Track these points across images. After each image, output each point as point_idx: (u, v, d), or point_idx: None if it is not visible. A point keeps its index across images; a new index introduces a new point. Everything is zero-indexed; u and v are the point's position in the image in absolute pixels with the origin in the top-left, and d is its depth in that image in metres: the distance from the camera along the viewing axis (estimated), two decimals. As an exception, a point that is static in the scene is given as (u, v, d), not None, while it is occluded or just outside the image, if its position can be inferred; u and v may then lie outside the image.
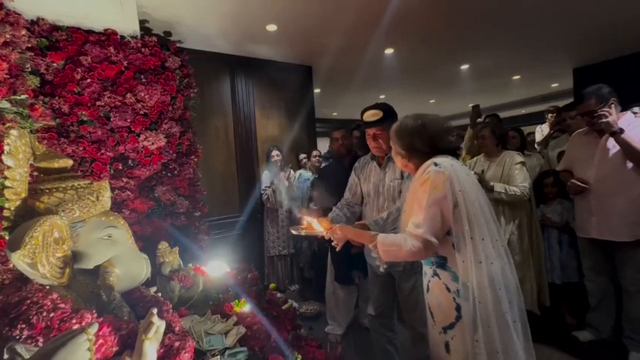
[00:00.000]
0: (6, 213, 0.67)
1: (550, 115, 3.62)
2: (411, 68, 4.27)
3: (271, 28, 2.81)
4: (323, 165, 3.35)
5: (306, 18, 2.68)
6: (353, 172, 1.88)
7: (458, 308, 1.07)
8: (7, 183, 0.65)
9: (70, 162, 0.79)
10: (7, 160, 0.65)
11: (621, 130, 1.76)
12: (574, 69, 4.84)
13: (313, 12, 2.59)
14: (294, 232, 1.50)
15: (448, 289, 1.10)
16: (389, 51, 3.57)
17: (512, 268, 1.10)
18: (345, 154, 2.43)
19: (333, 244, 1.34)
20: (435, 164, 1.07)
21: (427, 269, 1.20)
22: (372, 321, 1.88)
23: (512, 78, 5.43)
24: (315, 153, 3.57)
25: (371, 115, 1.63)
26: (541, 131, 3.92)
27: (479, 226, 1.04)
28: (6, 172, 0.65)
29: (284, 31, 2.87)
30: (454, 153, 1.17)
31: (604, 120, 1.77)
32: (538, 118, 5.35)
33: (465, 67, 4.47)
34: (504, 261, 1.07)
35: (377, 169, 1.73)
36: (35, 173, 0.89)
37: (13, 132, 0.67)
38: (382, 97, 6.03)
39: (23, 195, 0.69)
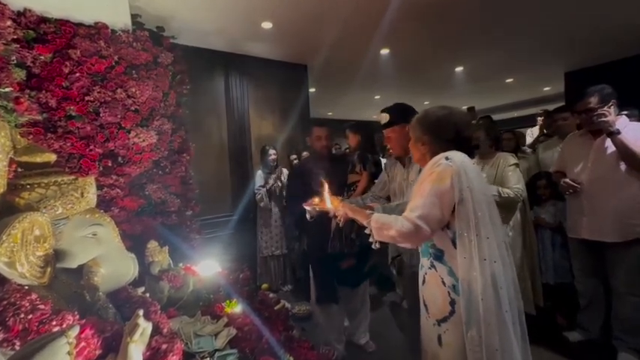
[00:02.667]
0: (-18, 209, 0.63)
1: (540, 118, 3.67)
2: (407, 69, 4.28)
3: (267, 25, 2.78)
4: (298, 161, 3.27)
5: (301, 16, 2.66)
6: (384, 169, 1.94)
7: (452, 303, 1.08)
8: None
9: (53, 156, 0.76)
10: None
11: (618, 131, 1.78)
12: (565, 73, 4.92)
13: (309, 10, 2.57)
14: (307, 208, 1.55)
15: (443, 283, 1.10)
16: (385, 51, 3.57)
17: (513, 270, 1.10)
18: (326, 155, 2.26)
19: (337, 219, 1.39)
20: (447, 158, 1.07)
21: (424, 261, 1.21)
22: (405, 316, 1.94)
23: (506, 81, 5.49)
24: (305, 154, 3.55)
25: (382, 119, 1.69)
26: (532, 134, 3.97)
27: (484, 225, 1.04)
28: (-18, 166, 0.62)
29: (279, 28, 2.85)
30: (471, 150, 1.17)
31: (603, 119, 1.79)
32: (530, 121, 5.42)
33: (459, 68, 4.50)
34: (506, 261, 1.08)
35: (401, 170, 1.76)
36: (20, 170, 0.85)
37: (-8, 124, 0.64)
38: (377, 97, 6.05)
39: (1, 190, 0.65)
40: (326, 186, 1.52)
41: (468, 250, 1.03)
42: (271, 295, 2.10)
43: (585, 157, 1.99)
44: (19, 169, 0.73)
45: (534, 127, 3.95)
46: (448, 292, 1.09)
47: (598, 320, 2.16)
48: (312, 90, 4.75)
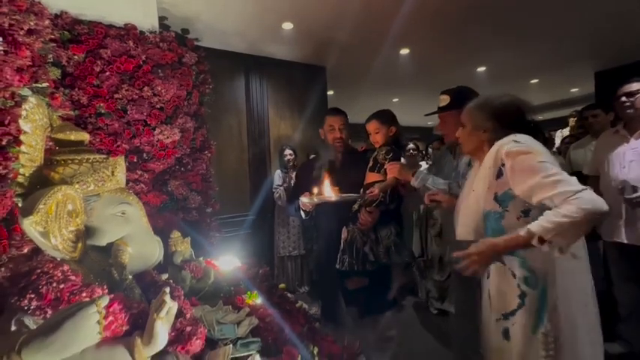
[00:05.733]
0: (20, 179, 0.65)
1: (572, 119, 3.53)
2: (427, 69, 4.22)
3: (287, 26, 2.82)
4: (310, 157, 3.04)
5: (321, 16, 2.68)
6: (432, 158, 1.88)
7: (522, 296, 1.01)
8: (23, 148, 0.64)
9: (86, 135, 0.78)
10: (24, 125, 0.64)
11: None
12: (595, 72, 4.69)
13: (329, 10, 2.59)
14: (305, 200, 1.47)
15: (513, 275, 1.03)
16: (404, 51, 3.53)
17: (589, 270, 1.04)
18: (341, 149, 1.86)
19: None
20: (515, 141, 0.99)
21: None
22: (453, 322, 1.73)
23: (530, 82, 5.30)
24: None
25: (441, 101, 1.62)
26: (562, 136, 3.83)
27: None
28: (22, 137, 0.64)
29: (300, 29, 2.88)
30: (538, 135, 1.08)
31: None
32: (556, 124, 5.19)
33: (481, 69, 4.39)
34: (584, 257, 1.02)
35: (450, 160, 1.67)
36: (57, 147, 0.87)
37: (32, 99, 0.66)
38: (395, 100, 5.98)
39: (38, 163, 0.67)
40: (325, 178, 1.47)
41: None
42: (288, 295, 2.07)
43: (621, 157, 1.87)
44: (56, 147, 0.76)
45: (564, 129, 3.80)
46: (518, 284, 1.02)
47: (640, 331, 1.99)
48: (330, 93, 4.76)
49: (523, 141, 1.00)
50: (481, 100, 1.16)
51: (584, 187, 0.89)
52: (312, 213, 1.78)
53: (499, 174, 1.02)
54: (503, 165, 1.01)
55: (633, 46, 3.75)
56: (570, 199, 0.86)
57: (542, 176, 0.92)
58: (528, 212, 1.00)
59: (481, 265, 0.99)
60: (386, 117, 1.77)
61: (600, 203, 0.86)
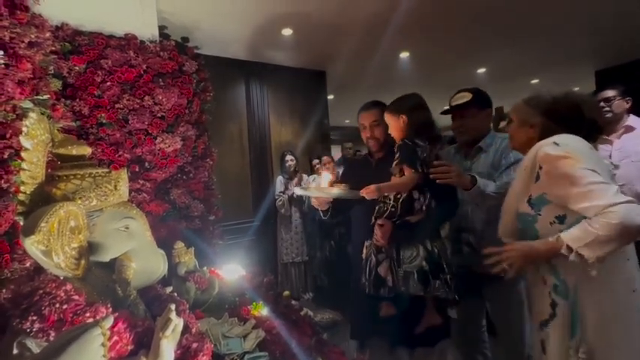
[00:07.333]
0: (21, 197, 0.64)
1: None
2: (427, 72, 4.22)
3: (287, 32, 2.82)
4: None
5: (321, 21, 2.69)
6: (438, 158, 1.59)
7: (553, 305, 0.95)
8: (24, 165, 0.63)
9: (88, 149, 0.77)
10: (25, 142, 0.63)
11: None
12: (596, 71, 4.68)
13: (328, 15, 2.59)
14: (299, 192, 1.35)
15: (544, 282, 0.98)
16: (404, 54, 3.54)
17: None
18: (376, 150, 1.55)
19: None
20: (555, 143, 0.93)
21: None
22: (457, 327, 1.58)
23: (531, 82, 5.30)
24: (325, 159, 3.52)
25: (460, 97, 1.53)
26: None
27: None
28: (23, 154, 0.63)
29: (299, 34, 2.89)
30: (591, 134, 1.02)
31: None
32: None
33: (481, 70, 4.39)
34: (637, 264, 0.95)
35: (461, 161, 1.58)
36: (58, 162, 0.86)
37: (32, 115, 0.65)
38: (395, 103, 5.97)
39: (39, 180, 0.66)
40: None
41: None
42: (293, 302, 2.05)
43: (608, 158, 1.89)
44: (58, 163, 0.75)
45: None
46: (549, 292, 0.97)
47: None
48: (330, 97, 4.76)
49: (564, 143, 0.93)
50: (531, 95, 1.11)
51: (622, 199, 0.83)
52: (330, 210, 1.58)
53: (537, 177, 0.97)
54: (540, 168, 0.95)
55: (634, 45, 3.75)
56: (602, 213, 0.83)
57: (579, 185, 0.87)
58: (563, 219, 0.94)
59: (514, 264, 0.93)
60: (397, 104, 1.36)
61: (637, 218, 0.81)
